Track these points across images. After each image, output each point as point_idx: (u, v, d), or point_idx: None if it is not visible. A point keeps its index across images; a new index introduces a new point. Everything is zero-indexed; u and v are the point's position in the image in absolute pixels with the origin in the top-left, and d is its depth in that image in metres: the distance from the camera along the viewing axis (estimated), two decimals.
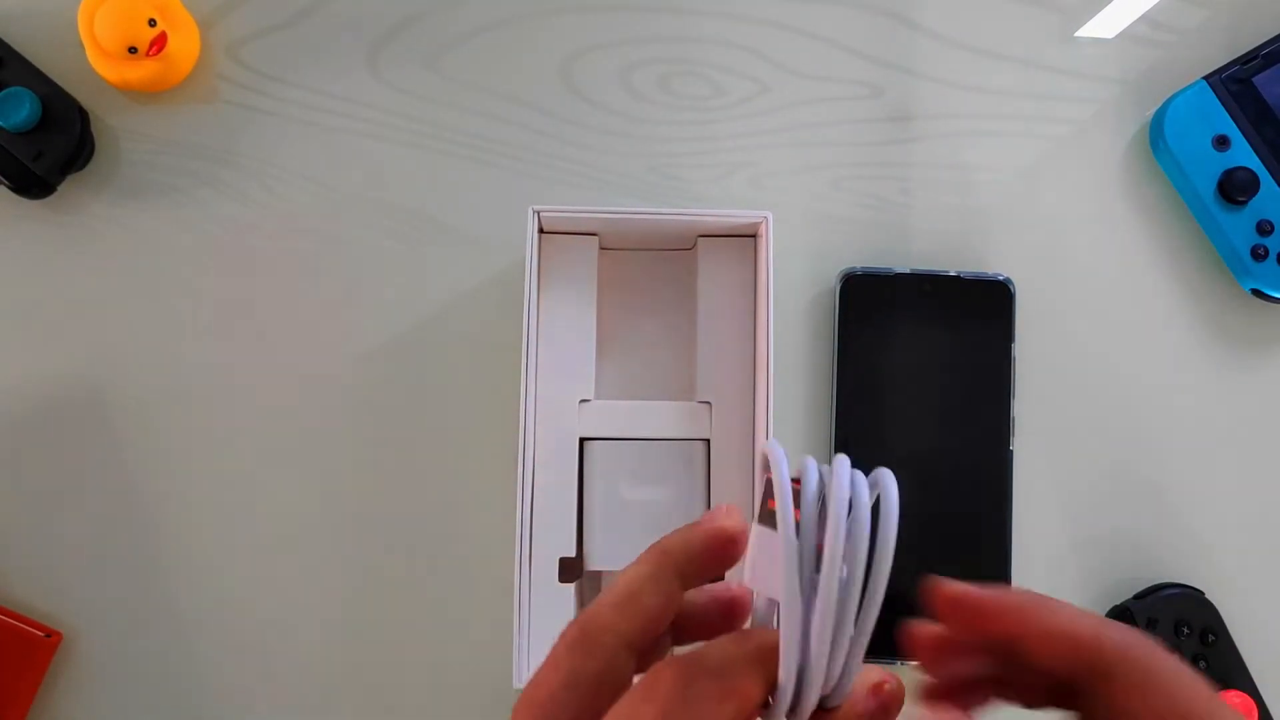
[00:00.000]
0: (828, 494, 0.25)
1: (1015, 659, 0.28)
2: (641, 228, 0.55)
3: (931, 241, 0.59)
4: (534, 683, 0.28)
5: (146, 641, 0.57)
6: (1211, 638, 0.55)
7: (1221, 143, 0.58)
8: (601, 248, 0.57)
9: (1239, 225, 0.57)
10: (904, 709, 0.29)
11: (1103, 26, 0.61)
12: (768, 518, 0.26)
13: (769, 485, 0.26)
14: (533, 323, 0.52)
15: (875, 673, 0.28)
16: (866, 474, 0.26)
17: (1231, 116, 0.58)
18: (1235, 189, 0.57)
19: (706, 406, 0.55)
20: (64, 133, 0.56)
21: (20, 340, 0.58)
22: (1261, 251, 0.57)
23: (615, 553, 0.54)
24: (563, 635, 0.28)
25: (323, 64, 0.59)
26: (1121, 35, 0.60)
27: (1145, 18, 0.61)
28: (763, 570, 0.27)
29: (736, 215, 0.54)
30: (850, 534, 0.24)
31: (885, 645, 0.30)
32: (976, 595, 0.28)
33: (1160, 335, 0.59)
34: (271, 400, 0.58)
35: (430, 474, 0.57)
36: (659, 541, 0.30)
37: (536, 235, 0.52)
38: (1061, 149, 0.60)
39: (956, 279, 0.57)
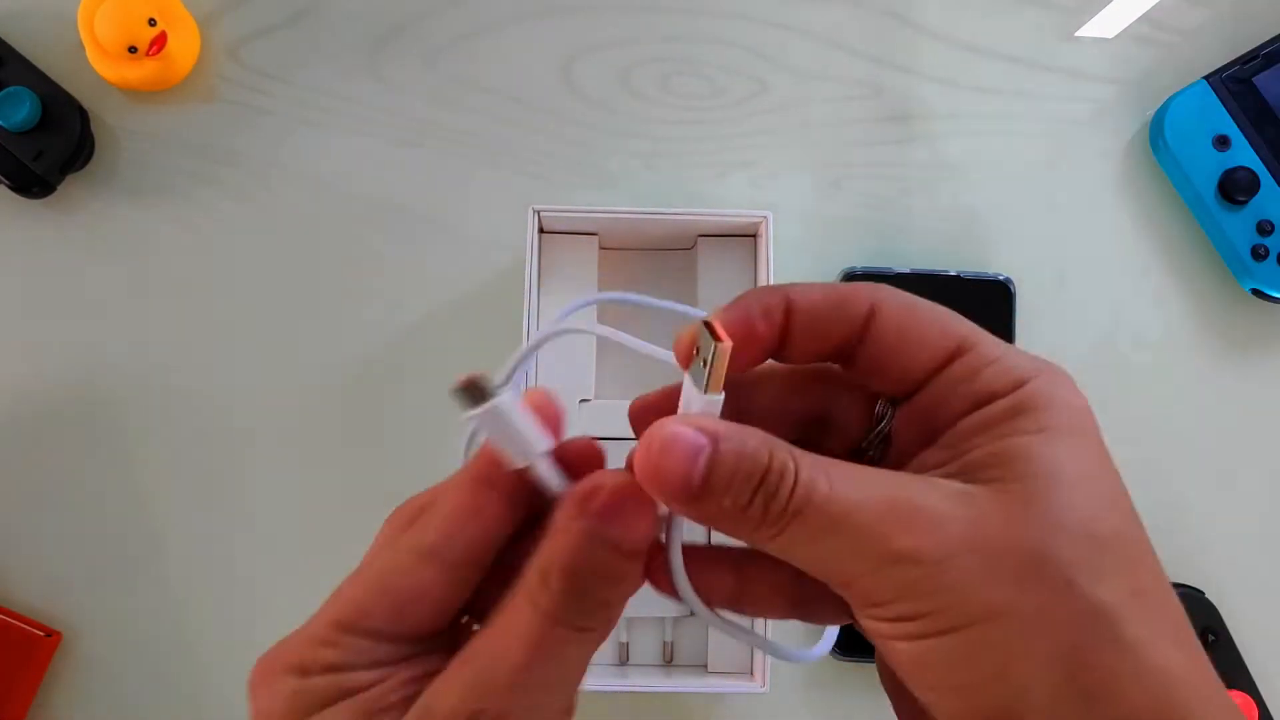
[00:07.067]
0: None
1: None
2: (641, 228, 0.55)
3: (931, 241, 0.59)
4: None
5: (146, 641, 0.57)
6: (1211, 638, 0.55)
7: (1221, 143, 0.58)
8: (601, 248, 0.57)
9: (1239, 225, 0.57)
10: None
11: (1103, 26, 0.61)
12: None
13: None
14: (533, 323, 0.52)
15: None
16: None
17: (1232, 116, 0.58)
18: (1235, 189, 0.57)
19: None
20: (64, 132, 0.56)
21: (20, 340, 0.58)
22: (1261, 251, 0.57)
23: None
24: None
25: (322, 64, 0.59)
26: (1121, 35, 0.60)
27: (1145, 18, 0.61)
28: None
29: (736, 215, 0.54)
30: None
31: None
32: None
33: (1160, 335, 0.59)
34: (271, 400, 0.58)
35: (430, 474, 0.57)
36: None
37: (536, 235, 0.53)
38: (1061, 149, 0.60)
39: (956, 279, 0.57)
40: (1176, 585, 0.57)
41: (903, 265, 0.58)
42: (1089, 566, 0.23)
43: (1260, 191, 0.57)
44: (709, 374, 0.25)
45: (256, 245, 0.59)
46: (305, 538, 0.57)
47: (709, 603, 0.28)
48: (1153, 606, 0.23)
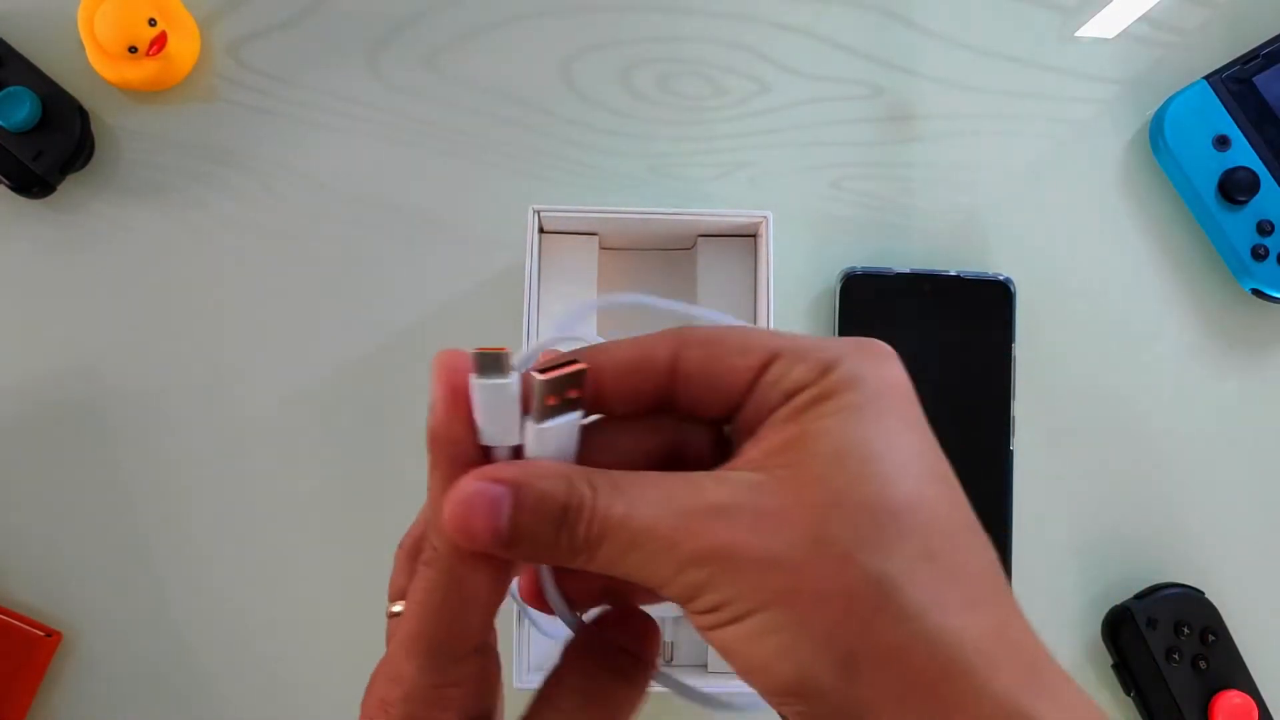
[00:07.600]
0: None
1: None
2: (641, 228, 0.55)
3: (931, 241, 0.59)
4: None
5: (146, 641, 0.57)
6: (1211, 638, 0.55)
7: (1221, 143, 0.58)
8: (601, 247, 0.57)
9: (1239, 225, 0.57)
10: None
11: (1103, 26, 0.61)
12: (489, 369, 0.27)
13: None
14: (533, 323, 0.52)
15: None
16: None
17: (1232, 116, 0.58)
18: (1235, 189, 0.57)
19: None
20: (64, 132, 0.56)
21: (20, 340, 0.58)
22: (1261, 251, 0.57)
23: None
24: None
25: (323, 64, 0.59)
26: (1121, 35, 0.60)
27: (1145, 18, 0.61)
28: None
29: (736, 215, 0.54)
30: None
31: None
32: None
33: (1160, 335, 0.59)
34: (271, 400, 0.58)
35: None
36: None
37: (536, 235, 0.52)
38: (1061, 149, 0.60)
39: (956, 279, 0.57)
40: (1176, 585, 0.56)
41: (903, 265, 0.58)
42: (871, 538, 0.23)
43: (1260, 191, 0.57)
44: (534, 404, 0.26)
45: (256, 245, 0.59)
46: (305, 538, 0.57)
47: (588, 605, 0.29)
48: (944, 570, 0.23)
